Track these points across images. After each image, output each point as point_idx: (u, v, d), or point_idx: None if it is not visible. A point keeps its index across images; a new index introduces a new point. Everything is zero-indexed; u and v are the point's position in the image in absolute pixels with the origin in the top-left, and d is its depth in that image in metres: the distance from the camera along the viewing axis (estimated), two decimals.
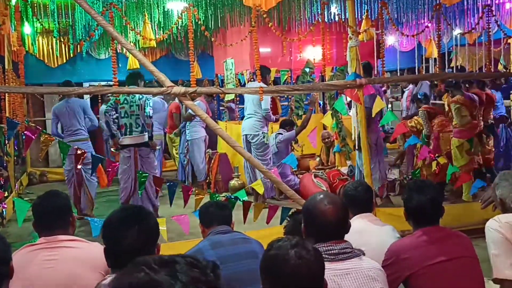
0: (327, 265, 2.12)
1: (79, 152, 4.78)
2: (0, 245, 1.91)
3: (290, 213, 3.63)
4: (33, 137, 4.31)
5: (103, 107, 9.22)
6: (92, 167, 5.33)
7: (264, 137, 6.73)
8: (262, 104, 6.58)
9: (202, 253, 2.90)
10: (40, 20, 6.97)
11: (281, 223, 4.74)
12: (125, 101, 6.23)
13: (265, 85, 6.48)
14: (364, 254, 2.29)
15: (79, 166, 5.64)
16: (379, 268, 2.30)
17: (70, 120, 6.68)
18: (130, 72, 6.91)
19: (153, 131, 6.56)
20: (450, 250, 2.61)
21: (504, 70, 10.01)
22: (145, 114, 6.30)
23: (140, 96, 6.22)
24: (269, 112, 6.78)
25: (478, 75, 7.13)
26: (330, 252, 2.20)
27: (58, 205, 2.63)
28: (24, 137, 4.86)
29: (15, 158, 8.10)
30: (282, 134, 7.32)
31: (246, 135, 6.89)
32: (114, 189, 8.28)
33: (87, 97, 10.29)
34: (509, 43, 9.48)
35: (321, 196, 2.38)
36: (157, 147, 6.72)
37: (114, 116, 6.15)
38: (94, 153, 6.33)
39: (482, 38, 9.29)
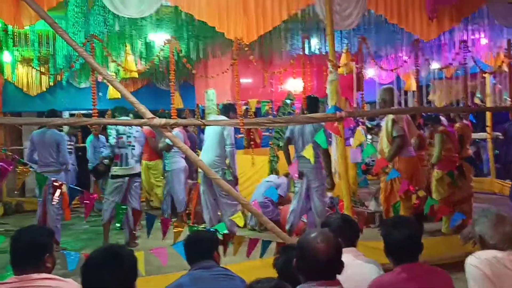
0: None
1: (55, 183, 4.68)
2: None
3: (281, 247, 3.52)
4: (9, 169, 4.22)
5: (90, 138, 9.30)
6: (70, 198, 5.28)
7: (225, 173, 6.39)
8: (227, 138, 6.43)
9: None
10: (20, 50, 6.93)
11: (261, 256, 4.70)
12: (124, 132, 6.54)
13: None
14: None
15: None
16: None
17: (44, 151, 6.66)
18: (119, 106, 6.98)
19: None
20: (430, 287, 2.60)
21: (481, 103, 10.23)
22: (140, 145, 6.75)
23: (137, 129, 6.60)
24: (234, 147, 6.56)
25: (455, 109, 7.25)
26: None
27: (31, 244, 2.54)
28: None
29: None
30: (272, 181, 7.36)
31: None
32: (93, 219, 8.17)
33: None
34: (485, 77, 9.71)
35: (316, 233, 2.35)
36: None
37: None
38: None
39: (459, 72, 9.51)
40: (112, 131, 6.63)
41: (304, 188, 6.23)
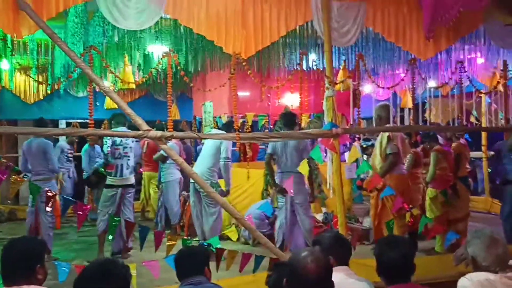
0: None
1: (48, 193, 4.66)
2: None
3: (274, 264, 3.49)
4: (3, 177, 4.20)
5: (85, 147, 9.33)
6: (64, 208, 5.27)
7: (213, 187, 6.22)
8: (223, 152, 6.47)
9: None
10: (19, 58, 6.93)
11: (254, 272, 4.68)
12: (121, 143, 6.58)
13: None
14: None
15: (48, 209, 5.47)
16: None
17: (33, 160, 6.69)
18: (116, 112, 6.99)
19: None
20: None
21: (476, 122, 10.27)
22: (134, 156, 6.81)
23: (133, 139, 6.61)
24: (229, 161, 6.56)
25: (451, 128, 7.26)
26: None
27: (22, 254, 2.53)
28: None
29: None
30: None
31: (194, 183, 6.46)
32: (86, 229, 8.14)
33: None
34: (481, 97, 9.76)
35: (306, 252, 2.34)
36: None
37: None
38: (56, 191, 6.27)
39: (455, 90, 9.55)
40: (108, 140, 6.64)
41: (288, 204, 6.23)
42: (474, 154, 10.66)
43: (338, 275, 2.90)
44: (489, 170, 10.16)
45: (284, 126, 6.44)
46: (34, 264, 2.52)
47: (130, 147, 6.67)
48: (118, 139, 6.53)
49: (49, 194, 4.74)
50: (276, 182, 6.39)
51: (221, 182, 6.72)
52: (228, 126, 6.79)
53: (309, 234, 6.21)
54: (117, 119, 6.73)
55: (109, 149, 6.55)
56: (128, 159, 6.65)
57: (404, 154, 6.23)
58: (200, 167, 6.55)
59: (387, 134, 5.99)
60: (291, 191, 5.76)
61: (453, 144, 7.27)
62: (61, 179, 9.62)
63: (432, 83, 9.83)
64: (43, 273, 2.55)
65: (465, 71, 6.67)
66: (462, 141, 7.56)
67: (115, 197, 6.60)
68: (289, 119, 6.41)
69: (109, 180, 6.63)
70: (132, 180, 6.78)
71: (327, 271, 2.29)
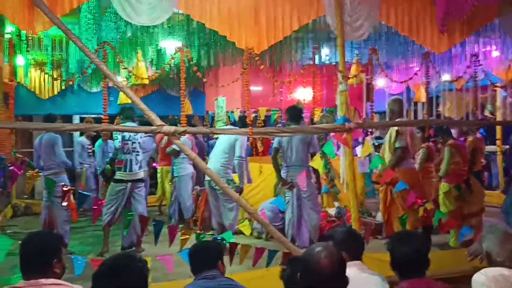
0: None
1: (64, 188, 4.72)
2: None
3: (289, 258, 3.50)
4: (19, 173, 4.26)
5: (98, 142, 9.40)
6: (78, 203, 5.33)
7: (229, 184, 6.19)
8: (237, 150, 6.46)
9: None
10: (34, 54, 6.99)
11: (267, 266, 4.70)
12: (129, 138, 6.57)
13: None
14: None
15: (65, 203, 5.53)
16: None
17: (44, 155, 6.74)
18: (125, 106, 7.01)
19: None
20: None
21: (491, 116, 10.17)
22: (142, 151, 6.73)
23: (141, 135, 6.58)
24: (243, 160, 6.51)
25: (465, 123, 7.19)
26: None
27: (39, 249, 2.57)
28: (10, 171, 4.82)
29: (0, 189, 8.01)
30: None
31: (209, 181, 6.45)
32: (101, 223, 8.19)
33: None
34: (495, 90, 9.66)
35: (321, 247, 2.33)
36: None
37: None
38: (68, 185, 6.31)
39: (469, 84, 9.47)
40: (118, 135, 6.67)
41: (294, 198, 6.22)
42: (488, 148, 10.55)
43: (351, 270, 2.89)
44: (504, 164, 10.06)
45: (289, 120, 6.43)
46: (51, 259, 2.55)
47: (139, 142, 6.65)
48: (127, 134, 6.53)
49: (64, 188, 4.80)
50: (282, 176, 6.39)
51: (235, 177, 6.74)
52: (242, 122, 6.79)
53: (315, 230, 6.21)
54: (125, 113, 6.69)
55: (119, 144, 6.59)
56: (137, 154, 6.63)
57: (413, 149, 6.19)
58: (214, 164, 6.54)
59: (396, 128, 5.96)
60: (304, 185, 5.76)
61: (469, 139, 7.19)
62: (84, 174, 9.74)
63: (446, 77, 9.73)
64: (60, 267, 2.58)
65: (480, 65, 6.60)
66: (478, 135, 7.47)
67: (124, 191, 6.60)
68: (294, 113, 6.41)
69: (118, 175, 6.63)
70: (141, 174, 6.77)
71: (341, 266, 2.29)
